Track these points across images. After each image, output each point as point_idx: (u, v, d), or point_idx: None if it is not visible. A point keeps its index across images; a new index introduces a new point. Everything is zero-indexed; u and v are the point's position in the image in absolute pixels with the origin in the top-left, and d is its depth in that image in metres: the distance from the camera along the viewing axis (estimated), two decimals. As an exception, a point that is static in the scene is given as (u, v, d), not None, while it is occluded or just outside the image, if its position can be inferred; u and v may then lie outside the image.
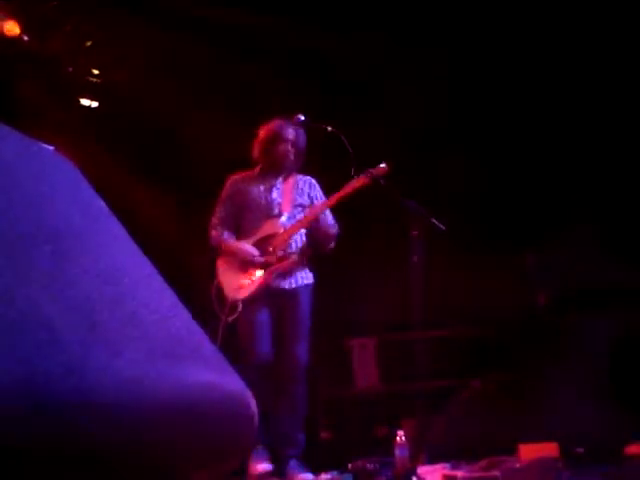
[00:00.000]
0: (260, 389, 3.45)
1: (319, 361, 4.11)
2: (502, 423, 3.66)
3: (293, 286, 3.69)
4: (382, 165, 3.55)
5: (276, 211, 3.70)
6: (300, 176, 3.84)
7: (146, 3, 4.73)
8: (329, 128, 3.55)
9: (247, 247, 3.65)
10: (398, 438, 3.24)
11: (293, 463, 3.54)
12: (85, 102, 5.16)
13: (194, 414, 1.13)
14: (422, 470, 3.35)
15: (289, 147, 3.73)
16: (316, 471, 3.54)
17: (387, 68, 5.12)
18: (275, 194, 3.74)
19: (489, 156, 5.09)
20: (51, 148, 1.30)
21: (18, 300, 0.92)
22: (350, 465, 3.55)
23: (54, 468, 0.91)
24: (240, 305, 3.57)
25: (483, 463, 3.25)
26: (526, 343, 4.28)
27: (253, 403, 1.30)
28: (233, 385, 1.29)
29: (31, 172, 1.15)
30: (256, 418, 1.31)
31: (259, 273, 3.61)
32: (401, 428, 3.42)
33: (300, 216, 3.72)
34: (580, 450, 3.38)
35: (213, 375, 1.24)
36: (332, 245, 3.78)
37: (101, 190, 1.35)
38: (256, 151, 3.80)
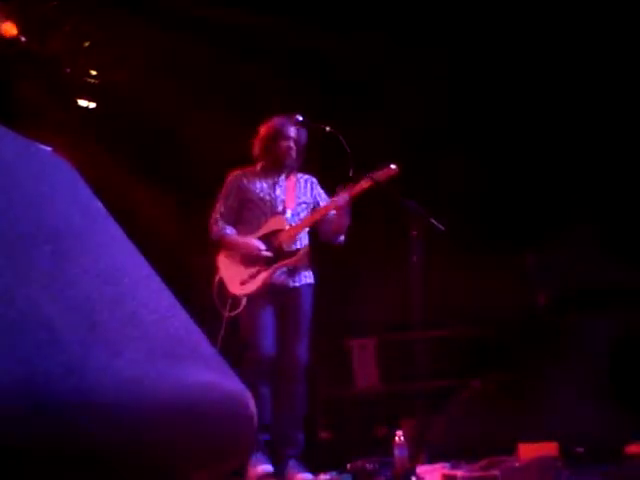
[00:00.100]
0: (261, 385, 3.48)
1: (319, 361, 4.12)
2: (502, 423, 3.66)
3: (297, 284, 3.68)
4: (392, 166, 3.55)
5: (280, 208, 3.70)
6: (300, 174, 3.85)
7: (146, 3, 4.73)
8: (327, 128, 3.54)
9: (254, 241, 3.63)
10: (397, 438, 3.24)
11: (292, 463, 3.54)
12: (83, 103, 5.16)
13: (194, 414, 1.13)
14: (421, 470, 3.35)
15: (291, 144, 3.73)
16: (315, 471, 3.54)
17: (387, 68, 5.13)
18: (278, 191, 3.74)
19: (489, 156, 5.09)
20: (49, 149, 1.30)
21: (18, 300, 0.92)
22: (349, 465, 3.55)
23: (54, 468, 0.91)
24: (244, 300, 3.56)
25: (483, 463, 3.24)
26: (526, 343, 4.28)
27: (252, 403, 1.30)
28: (232, 385, 1.29)
29: (30, 173, 1.15)
30: (256, 418, 1.31)
31: (263, 269, 3.59)
32: (400, 428, 3.42)
33: (304, 214, 3.73)
34: (580, 450, 3.38)
35: (212, 375, 1.24)
36: (342, 238, 3.78)
37: (100, 190, 1.35)
38: (257, 148, 3.80)
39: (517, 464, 3.14)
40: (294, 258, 3.63)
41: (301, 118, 3.66)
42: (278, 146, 3.72)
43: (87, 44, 4.91)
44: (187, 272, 4.58)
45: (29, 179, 1.13)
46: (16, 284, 0.94)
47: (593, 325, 4.00)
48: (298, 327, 3.66)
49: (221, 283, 3.63)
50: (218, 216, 3.74)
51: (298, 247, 3.68)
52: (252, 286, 3.57)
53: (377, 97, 5.16)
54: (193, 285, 4.11)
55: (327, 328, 4.22)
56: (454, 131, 5.15)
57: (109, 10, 4.77)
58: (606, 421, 3.49)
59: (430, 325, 4.23)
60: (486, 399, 4.00)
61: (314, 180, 3.89)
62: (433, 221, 3.42)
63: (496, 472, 3.07)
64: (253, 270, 3.60)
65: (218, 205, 3.77)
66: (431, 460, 3.57)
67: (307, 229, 3.73)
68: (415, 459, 3.38)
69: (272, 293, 3.62)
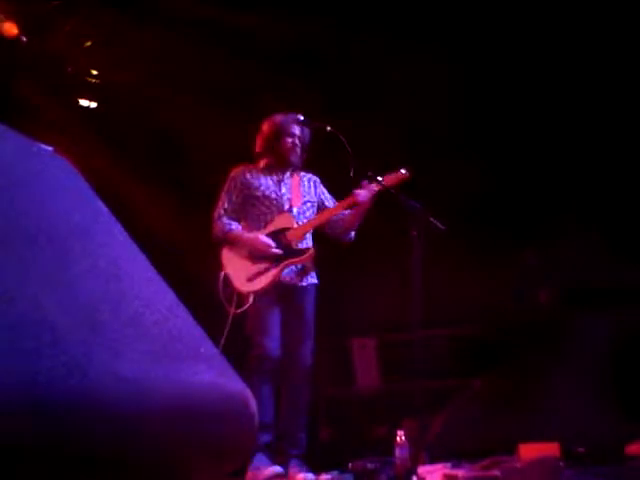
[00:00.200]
0: (263, 384, 3.47)
1: (320, 361, 4.10)
2: (502, 423, 3.66)
3: (304, 284, 3.66)
4: (402, 171, 3.54)
5: (287, 206, 3.67)
6: (303, 173, 3.83)
7: (146, 3, 4.73)
8: (328, 128, 3.53)
9: (263, 238, 3.57)
10: (398, 438, 3.23)
11: (294, 463, 3.53)
12: (84, 103, 5.16)
13: (194, 414, 1.13)
14: (422, 470, 3.34)
15: (296, 141, 3.70)
16: (316, 471, 3.54)
17: (387, 68, 5.12)
18: (284, 189, 3.70)
19: (489, 155, 5.09)
20: (50, 149, 1.30)
21: (19, 300, 0.92)
22: (350, 465, 3.54)
23: (54, 468, 0.91)
24: (251, 298, 3.51)
25: (484, 463, 3.24)
26: (526, 343, 4.28)
27: (253, 403, 1.30)
28: (233, 385, 1.29)
29: (32, 172, 1.15)
30: (256, 418, 1.31)
31: (272, 266, 3.55)
32: (401, 428, 3.42)
33: (309, 212, 3.71)
34: (581, 450, 3.37)
35: (213, 375, 1.24)
36: (353, 234, 3.76)
37: (101, 190, 1.35)
38: (260, 145, 3.77)
39: (518, 464, 3.13)
40: (305, 256, 3.60)
41: (302, 118, 3.66)
42: (282, 143, 3.69)
43: (88, 44, 4.91)
44: (187, 272, 4.57)
45: (29, 179, 1.13)
46: (17, 284, 0.94)
47: (594, 325, 3.99)
48: (304, 328, 3.63)
49: (226, 279, 3.56)
50: (222, 212, 3.67)
51: (306, 246, 3.65)
52: (260, 283, 3.52)
53: (377, 97, 5.16)
54: (193, 285, 4.10)
55: (327, 328, 4.21)
56: (454, 130, 5.15)
57: (109, 10, 4.77)
58: (607, 421, 3.49)
59: (430, 325, 4.23)
60: (487, 399, 4.00)
61: (317, 179, 3.87)
62: (433, 220, 3.42)
63: (497, 472, 3.07)
64: (261, 267, 3.54)
65: (221, 201, 3.70)
66: (432, 460, 3.57)
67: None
68: (416, 459, 3.37)
69: (279, 291, 3.58)
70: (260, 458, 3.43)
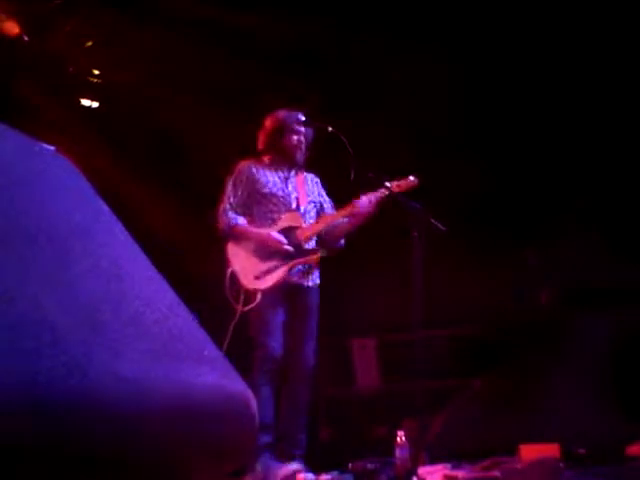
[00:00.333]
0: (265, 385, 3.46)
1: (320, 361, 4.10)
2: (503, 423, 3.65)
3: (310, 284, 3.62)
4: (411, 178, 3.52)
5: (294, 204, 3.63)
6: (306, 172, 3.80)
7: (146, 3, 4.73)
8: (330, 128, 3.51)
9: (275, 234, 3.50)
10: (398, 438, 3.23)
11: (294, 463, 3.53)
12: (86, 102, 5.16)
13: (195, 414, 1.13)
14: (423, 470, 3.34)
15: (301, 138, 3.66)
16: (316, 471, 3.53)
17: (387, 68, 5.12)
18: (290, 187, 3.66)
19: (489, 155, 5.09)
20: (52, 148, 1.30)
21: (20, 300, 0.92)
22: (350, 465, 3.54)
23: (54, 468, 0.91)
24: (258, 296, 3.44)
25: (484, 464, 3.24)
26: (526, 343, 4.27)
27: (254, 403, 1.30)
28: (234, 385, 1.29)
29: (32, 172, 1.14)
30: (257, 418, 1.30)
31: (281, 264, 3.49)
32: (401, 428, 3.41)
33: (313, 212, 3.68)
34: (581, 451, 3.37)
35: (214, 375, 1.24)
36: (343, 242, 3.74)
37: (101, 190, 1.35)
38: (262, 142, 3.71)
39: (518, 465, 3.13)
40: (314, 256, 3.57)
41: (303, 118, 3.64)
42: (287, 139, 3.64)
43: (90, 43, 4.91)
44: (187, 272, 4.57)
45: (31, 178, 1.13)
46: (17, 284, 0.94)
47: (594, 325, 3.99)
48: (308, 328, 3.60)
49: (233, 276, 3.49)
50: (227, 206, 3.59)
51: (314, 247, 3.63)
52: (268, 282, 3.46)
53: (377, 97, 5.16)
54: (194, 285, 4.09)
55: (328, 328, 4.21)
56: (454, 130, 5.15)
57: (110, 10, 4.77)
58: (607, 422, 3.49)
59: (430, 325, 4.23)
60: (487, 399, 4.00)
61: (318, 179, 3.85)
62: (434, 221, 3.42)
63: (497, 473, 3.07)
64: (270, 264, 3.48)
65: (227, 194, 3.61)
66: (432, 460, 3.56)
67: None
68: (416, 459, 3.37)
69: (285, 291, 3.53)
70: (267, 458, 3.42)
